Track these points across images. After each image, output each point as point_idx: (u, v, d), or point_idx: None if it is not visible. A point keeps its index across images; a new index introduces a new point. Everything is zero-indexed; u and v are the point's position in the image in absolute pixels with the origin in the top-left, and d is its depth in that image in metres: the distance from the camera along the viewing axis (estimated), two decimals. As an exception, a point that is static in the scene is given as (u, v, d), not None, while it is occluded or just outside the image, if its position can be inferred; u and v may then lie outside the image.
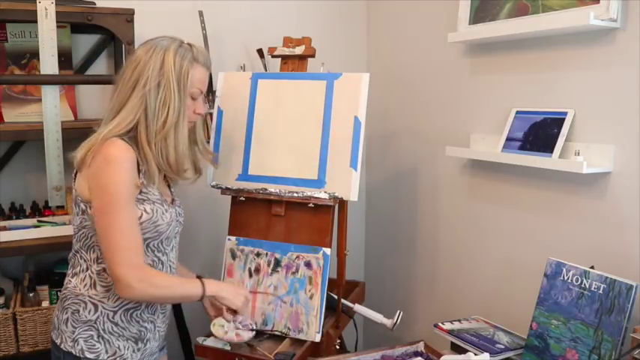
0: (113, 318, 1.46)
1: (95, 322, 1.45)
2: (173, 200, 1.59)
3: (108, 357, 1.45)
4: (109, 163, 1.36)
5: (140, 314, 1.49)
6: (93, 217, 1.40)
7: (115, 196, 1.36)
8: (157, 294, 1.42)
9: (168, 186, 1.62)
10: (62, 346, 1.45)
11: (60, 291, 1.86)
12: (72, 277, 1.49)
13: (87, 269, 1.46)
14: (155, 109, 1.42)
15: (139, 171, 1.42)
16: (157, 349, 1.60)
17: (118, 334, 1.46)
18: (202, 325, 1.98)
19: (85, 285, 1.46)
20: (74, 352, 1.44)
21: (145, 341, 1.51)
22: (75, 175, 1.47)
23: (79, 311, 1.45)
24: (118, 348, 1.46)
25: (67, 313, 1.47)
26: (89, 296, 1.45)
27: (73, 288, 1.48)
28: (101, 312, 1.45)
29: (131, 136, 1.43)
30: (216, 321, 1.66)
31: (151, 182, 1.45)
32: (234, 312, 1.58)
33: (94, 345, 1.44)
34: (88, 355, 1.43)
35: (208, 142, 1.98)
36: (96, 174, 1.38)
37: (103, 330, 1.45)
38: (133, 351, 1.49)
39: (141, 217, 1.42)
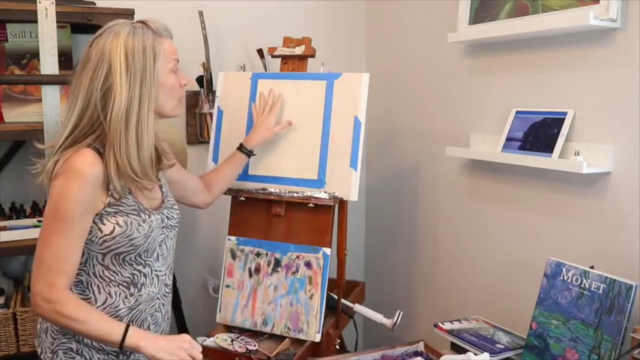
0: None
1: (74, 335, 1.37)
2: (163, 202, 1.48)
3: None
4: (68, 176, 1.27)
5: None
6: None
7: (61, 213, 1.27)
8: (61, 322, 1.30)
9: (160, 185, 1.50)
10: (42, 357, 1.40)
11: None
12: None
13: None
14: (110, 104, 1.30)
15: (108, 187, 1.32)
16: None
17: (97, 347, 1.39)
18: (202, 325, 1.99)
19: None
20: None
21: (127, 353, 1.43)
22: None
23: None
24: None
25: (46, 322, 1.40)
26: None
27: None
28: None
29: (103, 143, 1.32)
30: (219, 335, 1.72)
31: (125, 195, 1.35)
32: None
33: (74, 358, 1.38)
34: None
35: (208, 142, 1.99)
36: (54, 183, 1.29)
37: (84, 343, 1.38)
38: None
39: (113, 231, 1.33)
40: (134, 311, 1.41)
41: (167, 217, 1.47)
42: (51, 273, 1.29)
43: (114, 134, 1.30)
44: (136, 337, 1.30)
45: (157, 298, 1.46)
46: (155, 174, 1.44)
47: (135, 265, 1.40)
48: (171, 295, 1.55)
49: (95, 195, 1.31)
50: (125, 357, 1.43)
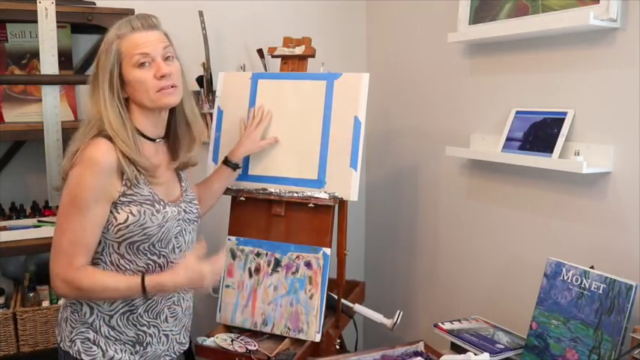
0: (109, 322, 1.44)
1: (92, 325, 1.43)
2: (182, 194, 1.53)
3: None
4: (83, 165, 1.34)
5: (137, 318, 1.45)
6: None
7: (77, 200, 1.34)
8: (84, 296, 1.40)
9: (179, 180, 1.55)
10: (61, 345, 1.46)
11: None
12: None
13: None
14: (98, 100, 1.39)
15: (122, 177, 1.38)
16: (167, 355, 1.53)
17: (114, 338, 1.44)
18: (202, 325, 1.99)
19: None
20: (71, 353, 1.43)
21: (144, 344, 1.47)
22: None
23: (77, 312, 1.44)
24: (115, 352, 1.44)
25: (67, 311, 1.46)
26: None
27: None
28: (97, 315, 1.43)
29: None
30: (219, 335, 1.74)
31: (137, 183, 1.39)
32: None
33: (91, 347, 1.43)
34: (84, 358, 1.42)
35: (208, 142, 1.99)
36: (72, 172, 1.36)
37: (101, 333, 1.43)
38: (131, 353, 1.46)
39: (127, 219, 1.38)
40: (149, 301, 1.46)
41: (185, 211, 1.51)
42: (68, 256, 1.36)
43: (106, 122, 1.37)
44: (154, 279, 1.39)
45: (176, 292, 1.51)
46: (176, 169, 1.53)
47: (149, 255, 1.44)
48: (192, 292, 1.58)
49: (110, 183, 1.36)
50: (142, 347, 1.47)
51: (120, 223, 1.38)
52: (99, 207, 1.36)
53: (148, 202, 1.41)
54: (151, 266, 1.44)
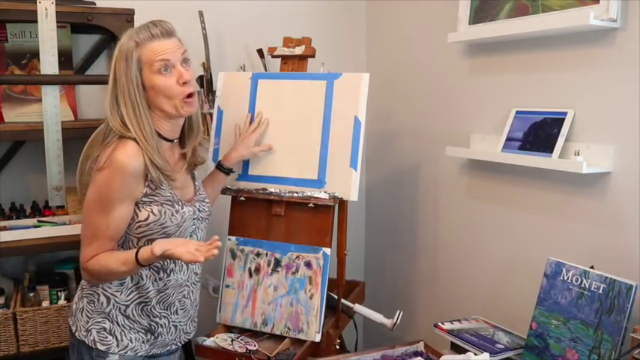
0: (125, 311, 1.50)
1: (109, 315, 1.49)
2: (196, 193, 1.60)
3: (119, 350, 1.49)
4: (111, 169, 1.39)
5: (151, 309, 1.52)
6: None
7: (103, 200, 1.40)
8: (99, 279, 1.47)
9: (193, 178, 1.62)
10: (77, 334, 1.51)
11: (60, 291, 1.88)
12: None
13: None
14: (118, 106, 1.43)
15: (146, 178, 1.43)
16: (174, 344, 1.60)
17: (129, 327, 1.51)
18: (202, 325, 1.99)
19: None
20: (87, 342, 1.49)
21: (155, 334, 1.54)
22: None
23: (93, 302, 1.50)
24: (130, 340, 1.50)
25: (82, 302, 1.52)
26: (102, 288, 1.50)
27: None
28: (113, 305, 1.49)
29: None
30: (219, 335, 1.77)
31: (160, 185, 1.45)
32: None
33: (106, 337, 1.49)
34: (100, 347, 1.48)
35: (208, 142, 1.99)
36: (100, 173, 1.41)
37: (116, 323, 1.49)
38: (143, 342, 1.53)
39: (147, 218, 1.44)
40: (161, 294, 1.53)
41: (199, 210, 1.57)
42: (90, 247, 1.43)
43: (135, 128, 1.41)
44: (146, 248, 1.40)
45: (186, 285, 1.58)
46: (189, 169, 1.59)
47: None
48: (200, 284, 1.65)
49: (135, 185, 1.42)
50: (153, 337, 1.54)
51: (140, 221, 1.44)
52: (124, 206, 1.42)
53: (169, 202, 1.47)
54: (166, 262, 1.51)
